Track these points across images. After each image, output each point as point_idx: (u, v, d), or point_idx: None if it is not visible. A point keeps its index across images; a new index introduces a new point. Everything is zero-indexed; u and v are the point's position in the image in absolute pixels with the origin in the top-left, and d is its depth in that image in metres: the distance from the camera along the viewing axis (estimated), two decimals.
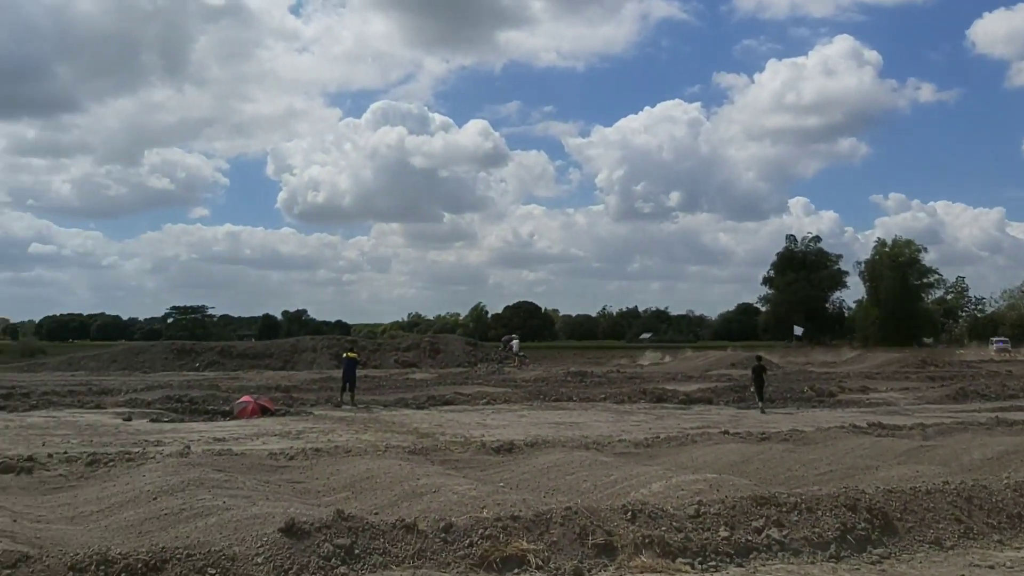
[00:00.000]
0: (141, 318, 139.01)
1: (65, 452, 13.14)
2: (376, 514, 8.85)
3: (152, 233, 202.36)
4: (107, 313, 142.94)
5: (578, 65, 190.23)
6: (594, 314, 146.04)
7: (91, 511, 9.07)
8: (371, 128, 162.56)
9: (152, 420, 19.18)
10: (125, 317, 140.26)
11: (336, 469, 11.26)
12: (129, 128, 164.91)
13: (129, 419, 19.16)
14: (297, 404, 22.59)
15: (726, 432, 16.32)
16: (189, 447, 12.72)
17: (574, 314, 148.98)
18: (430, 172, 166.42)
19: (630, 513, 8.12)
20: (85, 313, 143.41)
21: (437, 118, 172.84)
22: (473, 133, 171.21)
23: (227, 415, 20.19)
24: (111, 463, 11.53)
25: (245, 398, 21.24)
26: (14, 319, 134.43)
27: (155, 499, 9.08)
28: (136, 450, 13.08)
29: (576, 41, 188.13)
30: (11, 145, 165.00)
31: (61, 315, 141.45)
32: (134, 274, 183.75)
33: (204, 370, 42.30)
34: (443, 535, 7.33)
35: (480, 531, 7.39)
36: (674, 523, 8.11)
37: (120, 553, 6.47)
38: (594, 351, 77.47)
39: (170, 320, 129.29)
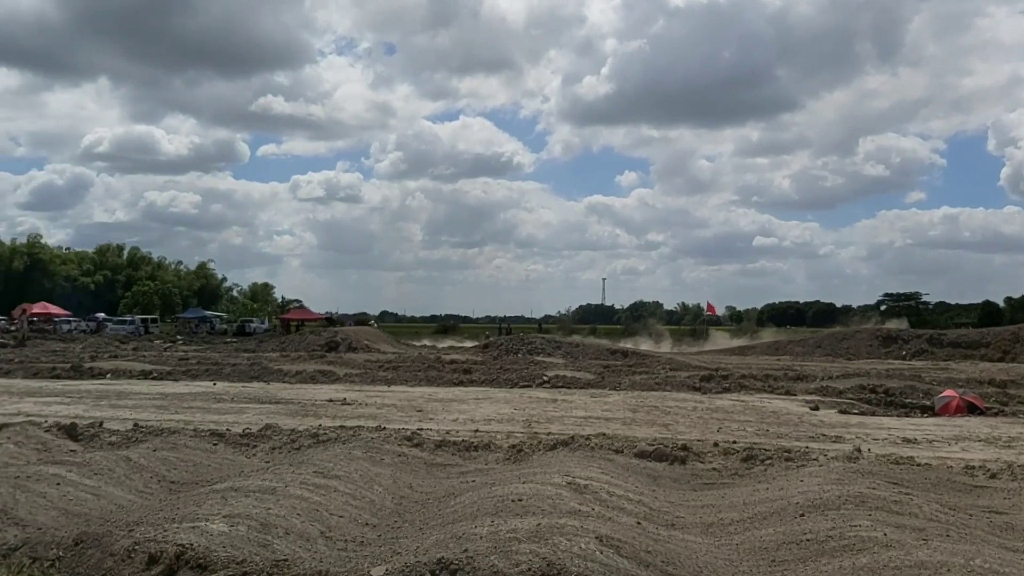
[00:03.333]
0: (854, 305, 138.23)
1: (734, 442, 12.19)
2: None
3: (867, 221, 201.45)
4: (822, 301, 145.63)
5: None
6: None
7: (731, 519, 7.66)
8: None
9: (840, 411, 17.43)
10: (839, 304, 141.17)
11: None
12: (844, 119, 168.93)
13: (816, 408, 17.72)
14: (1014, 403, 18.51)
15: None
16: (860, 451, 10.59)
17: None
18: None
19: None
20: (802, 301, 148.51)
21: None
22: None
23: (926, 411, 17.43)
24: (768, 461, 10.05)
25: (948, 392, 18.08)
26: (740, 307, 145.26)
27: (802, 516, 7.27)
28: (799, 446, 11.44)
29: None
30: (738, 148, 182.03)
31: (780, 303, 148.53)
32: (849, 262, 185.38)
33: (910, 359, 39.02)
34: None
35: None
36: None
37: None
38: None
39: (883, 307, 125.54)
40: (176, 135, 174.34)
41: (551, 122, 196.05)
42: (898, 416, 16.83)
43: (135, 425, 12.58)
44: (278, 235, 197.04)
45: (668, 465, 9.99)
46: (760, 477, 9.33)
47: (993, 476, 9.32)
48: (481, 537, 6.12)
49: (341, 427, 12.77)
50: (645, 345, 52.70)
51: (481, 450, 10.80)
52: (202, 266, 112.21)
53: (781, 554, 6.41)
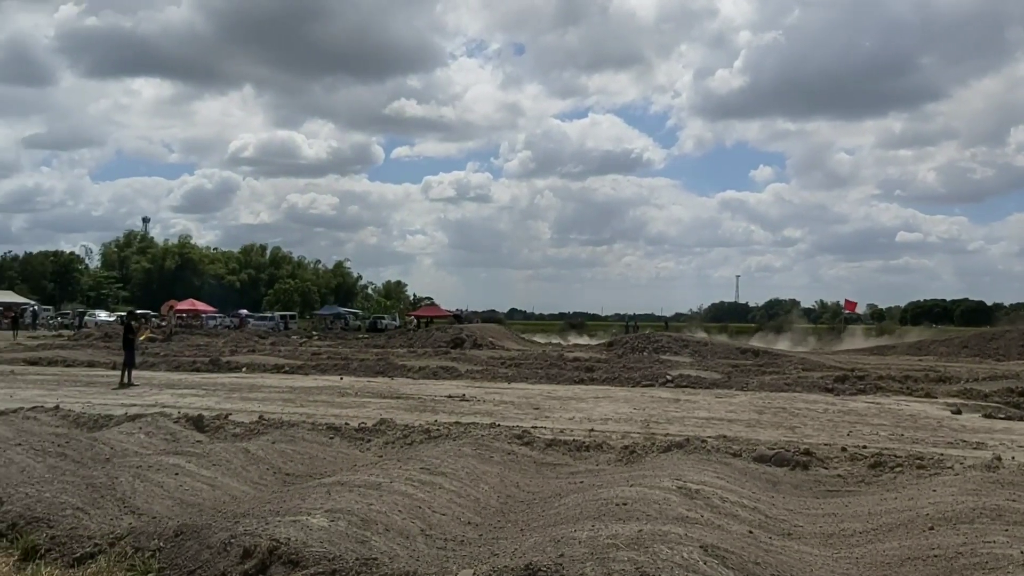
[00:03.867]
0: (1006, 303, 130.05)
1: (863, 447, 11.53)
2: None
3: (1019, 215, 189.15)
4: (971, 299, 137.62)
5: None
6: None
7: (854, 530, 7.18)
8: None
9: (985, 415, 16.26)
10: (990, 303, 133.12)
11: None
12: (994, 108, 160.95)
13: (958, 412, 16.60)
14: None
15: None
16: (1000, 459, 9.76)
17: None
18: None
19: None
20: (948, 299, 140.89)
21: None
22: None
23: None
24: (898, 468, 9.40)
25: None
26: (881, 304, 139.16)
27: (931, 529, 6.74)
28: (935, 452, 10.67)
29: None
30: (879, 140, 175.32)
31: (925, 301, 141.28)
32: (1001, 258, 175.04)
33: None
34: None
35: None
36: None
37: None
38: None
39: None
40: (315, 139, 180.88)
41: (682, 117, 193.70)
42: None
43: (259, 417, 12.98)
44: (411, 235, 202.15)
45: (789, 470, 9.51)
46: (888, 485, 8.75)
47: None
48: (579, 542, 5.92)
49: (455, 423, 12.79)
50: (781, 344, 51.07)
51: (593, 450, 10.58)
52: (339, 265, 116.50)
53: (905, 570, 5.94)
